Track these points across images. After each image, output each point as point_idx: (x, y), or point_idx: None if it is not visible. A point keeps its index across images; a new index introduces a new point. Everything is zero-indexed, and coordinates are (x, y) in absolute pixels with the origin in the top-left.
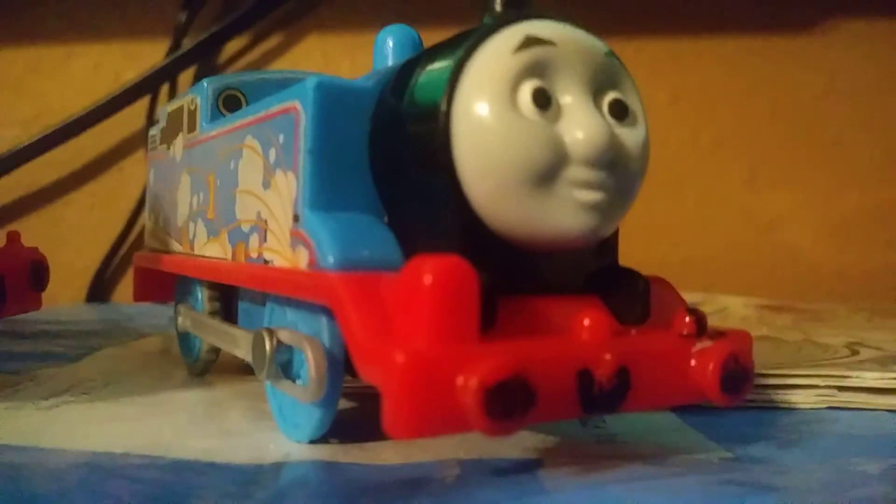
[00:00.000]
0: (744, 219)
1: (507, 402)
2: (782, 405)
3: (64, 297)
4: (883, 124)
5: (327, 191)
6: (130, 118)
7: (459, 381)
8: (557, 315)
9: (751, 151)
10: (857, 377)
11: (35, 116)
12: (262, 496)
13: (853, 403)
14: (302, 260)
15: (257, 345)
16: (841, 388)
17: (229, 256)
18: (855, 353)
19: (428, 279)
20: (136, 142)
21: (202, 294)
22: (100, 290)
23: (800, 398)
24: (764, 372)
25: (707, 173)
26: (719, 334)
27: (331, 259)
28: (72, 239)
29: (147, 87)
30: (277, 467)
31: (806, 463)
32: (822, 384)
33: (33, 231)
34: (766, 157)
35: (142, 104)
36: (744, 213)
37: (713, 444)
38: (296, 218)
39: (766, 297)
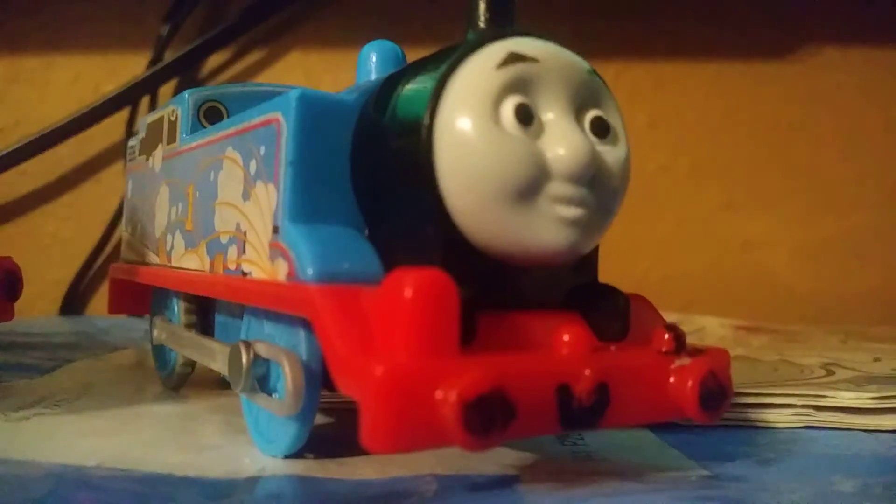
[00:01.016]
0: (720, 241)
1: (487, 417)
2: (760, 424)
3: (37, 309)
4: (858, 149)
5: (308, 203)
6: (109, 130)
7: (439, 394)
8: (537, 330)
9: (728, 175)
10: (833, 397)
11: (13, 125)
12: None
13: (830, 423)
14: (281, 272)
15: (234, 358)
16: (818, 408)
17: (207, 268)
18: (831, 373)
19: (408, 292)
20: (115, 153)
21: (179, 306)
22: (74, 302)
23: (777, 417)
24: (741, 391)
25: (685, 196)
26: (698, 352)
27: (310, 271)
28: (47, 250)
29: (127, 98)
30: (252, 481)
31: (783, 481)
32: (799, 403)
33: (8, 241)
34: (742, 180)
35: (121, 116)
36: (720, 235)
37: (691, 462)
38: (275, 230)
39: (742, 318)
